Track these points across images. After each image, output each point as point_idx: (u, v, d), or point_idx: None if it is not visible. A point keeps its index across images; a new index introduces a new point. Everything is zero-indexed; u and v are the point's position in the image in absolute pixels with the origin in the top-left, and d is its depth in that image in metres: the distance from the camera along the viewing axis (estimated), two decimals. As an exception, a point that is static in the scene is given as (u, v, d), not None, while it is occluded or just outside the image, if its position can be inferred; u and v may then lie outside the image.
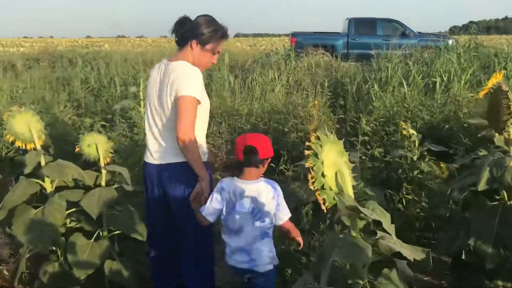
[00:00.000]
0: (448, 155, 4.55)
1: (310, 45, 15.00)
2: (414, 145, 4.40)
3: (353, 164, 1.68)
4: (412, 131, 4.43)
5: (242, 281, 2.53)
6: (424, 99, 7.04)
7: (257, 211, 2.41)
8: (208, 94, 2.72)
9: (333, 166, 1.59)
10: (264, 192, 2.42)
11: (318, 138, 1.59)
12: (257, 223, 2.42)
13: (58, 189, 2.79)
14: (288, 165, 4.86)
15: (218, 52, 2.66)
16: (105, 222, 2.76)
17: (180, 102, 2.42)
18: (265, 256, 2.46)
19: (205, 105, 2.62)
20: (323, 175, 1.56)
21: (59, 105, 6.38)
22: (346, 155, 1.64)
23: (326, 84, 8.09)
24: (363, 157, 4.32)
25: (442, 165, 3.95)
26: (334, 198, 1.58)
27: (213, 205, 2.46)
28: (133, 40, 48.62)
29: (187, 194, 2.54)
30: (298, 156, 5.15)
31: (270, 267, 2.49)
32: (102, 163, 2.80)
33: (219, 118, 6.64)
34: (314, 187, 1.57)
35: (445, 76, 7.99)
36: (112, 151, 2.86)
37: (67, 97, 7.47)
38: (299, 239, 2.56)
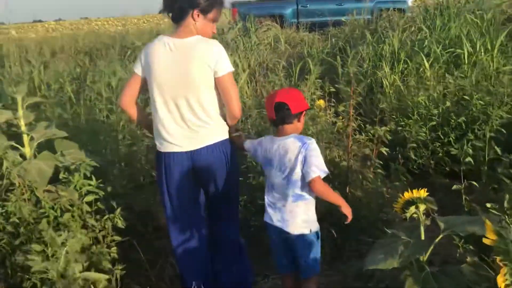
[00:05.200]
0: None
1: (255, 15, 12.74)
2: None
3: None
4: None
5: (277, 239, 2.43)
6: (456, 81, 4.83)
7: (284, 169, 2.33)
8: None
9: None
10: (291, 149, 2.32)
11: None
12: (285, 182, 2.33)
13: None
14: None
15: (217, 21, 2.52)
16: None
17: (227, 80, 2.38)
18: (299, 218, 2.33)
19: None
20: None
21: None
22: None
23: (312, 66, 5.69)
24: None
25: None
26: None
27: (250, 143, 2.55)
28: (48, 24, 43.30)
29: (231, 172, 2.51)
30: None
31: (305, 231, 2.34)
32: None
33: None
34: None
35: (469, 45, 5.82)
36: None
37: None
38: (346, 210, 2.34)
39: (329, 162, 3.07)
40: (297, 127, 2.39)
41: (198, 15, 2.39)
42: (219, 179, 2.50)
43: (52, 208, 2.68)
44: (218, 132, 2.47)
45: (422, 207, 2.06)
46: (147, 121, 2.65)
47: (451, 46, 6.10)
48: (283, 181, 2.34)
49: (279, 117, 2.35)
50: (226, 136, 2.51)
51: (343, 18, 10.45)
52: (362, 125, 3.24)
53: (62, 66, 6.45)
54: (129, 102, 2.52)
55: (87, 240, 2.69)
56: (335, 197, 2.37)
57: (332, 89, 3.96)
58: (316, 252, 2.36)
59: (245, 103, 5.81)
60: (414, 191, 2.04)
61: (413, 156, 2.99)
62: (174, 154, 2.44)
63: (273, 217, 2.38)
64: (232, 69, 2.39)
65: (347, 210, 2.33)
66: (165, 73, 2.39)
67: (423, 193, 2.05)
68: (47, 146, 3.17)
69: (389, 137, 3.03)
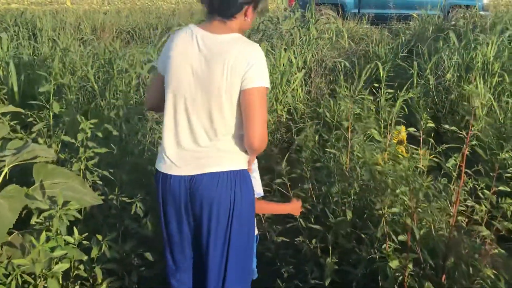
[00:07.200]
0: None
1: (314, 3, 11.62)
2: None
3: None
4: None
5: None
6: None
7: None
8: None
9: None
10: None
11: None
12: None
13: None
14: None
15: None
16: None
17: (255, 95, 1.81)
18: None
19: None
20: None
21: None
22: None
23: (383, 72, 4.64)
24: None
25: None
26: None
27: None
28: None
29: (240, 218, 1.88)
30: None
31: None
32: None
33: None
34: None
35: None
36: None
37: None
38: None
39: (421, 239, 2.06)
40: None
41: (251, 10, 1.94)
42: (216, 222, 1.87)
43: (7, 277, 1.84)
44: (231, 158, 1.90)
45: None
46: None
47: None
48: None
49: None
50: (242, 166, 1.92)
51: (414, 13, 9.21)
52: (477, 185, 2.20)
53: (91, 48, 5.65)
54: (156, 105, 2.08)
55: (52, 330, 1.84)
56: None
57: (430, 124, 2.78)
58: None
59: (296, 110, 4.86)
60: None
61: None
62: (171, 177, 1.92)
63: None
64: (267, 85, 1.83)
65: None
66: (183, 71, 1.89)
67: None
68: (26, 172, 2.34)
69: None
